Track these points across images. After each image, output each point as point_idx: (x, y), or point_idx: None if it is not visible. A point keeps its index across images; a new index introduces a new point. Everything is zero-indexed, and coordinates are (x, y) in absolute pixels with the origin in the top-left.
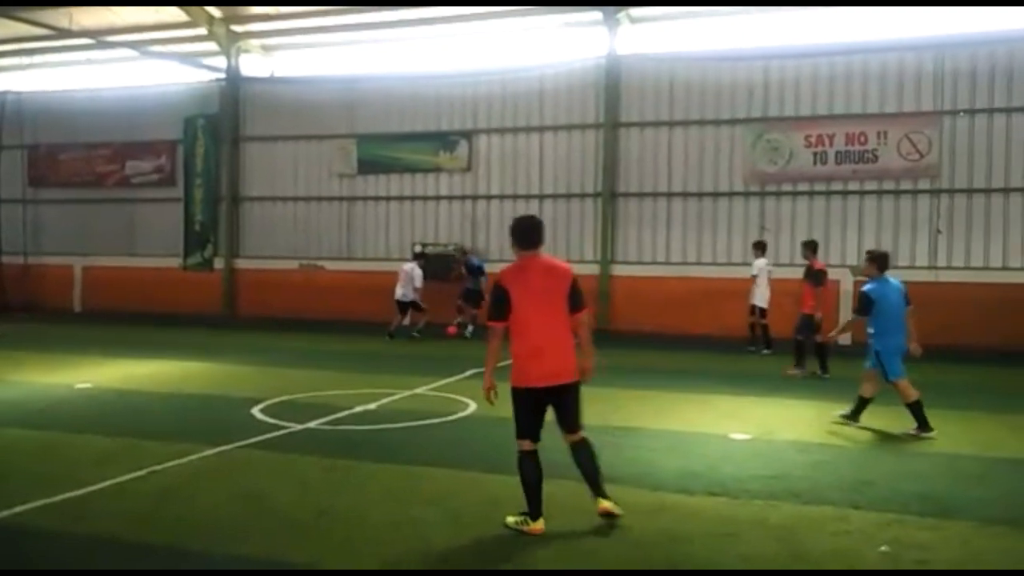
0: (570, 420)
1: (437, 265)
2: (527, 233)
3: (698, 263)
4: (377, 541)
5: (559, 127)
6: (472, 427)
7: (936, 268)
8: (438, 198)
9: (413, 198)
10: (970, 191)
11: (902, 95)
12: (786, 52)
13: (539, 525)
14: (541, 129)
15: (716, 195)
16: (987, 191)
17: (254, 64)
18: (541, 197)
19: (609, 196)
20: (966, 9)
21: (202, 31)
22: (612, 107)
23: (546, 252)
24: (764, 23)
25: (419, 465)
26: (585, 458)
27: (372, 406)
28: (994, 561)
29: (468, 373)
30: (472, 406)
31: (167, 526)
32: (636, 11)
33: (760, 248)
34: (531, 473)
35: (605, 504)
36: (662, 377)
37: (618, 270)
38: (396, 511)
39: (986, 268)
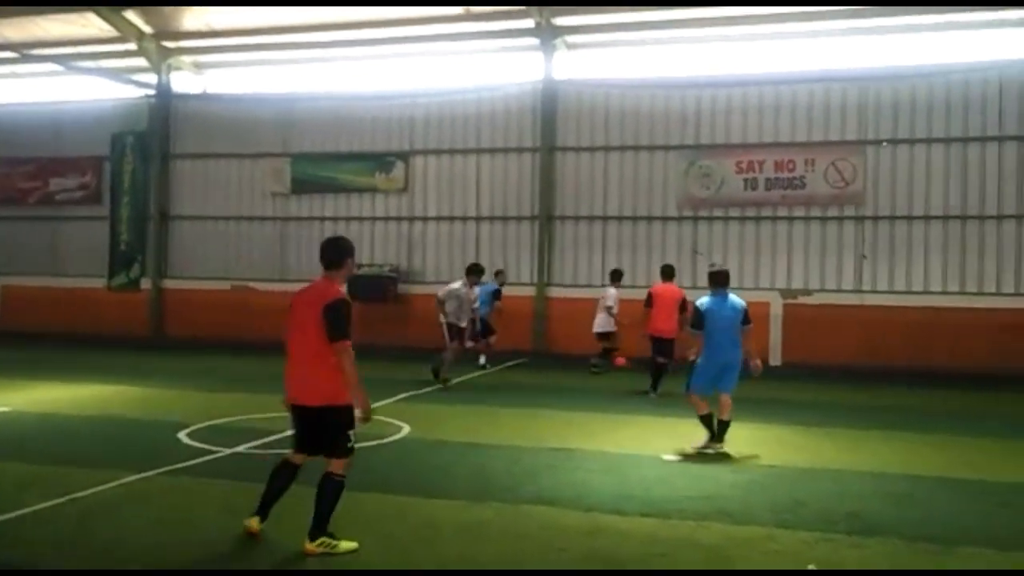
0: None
1: (372, 286)
2: (321, 252)
3: (632, 286)
4: (308, 567)
5: (496, 150)
6: (406, 450)
7: (861, 292)
8: (374, 219)
9: (348, 218)
10: (893, 218)
11: (828, 125)
12: (718, 81)
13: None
14: (478, 151)
15: (650, 219)
16: (909, 218)
17: (186, 81)
18: (478, 219)
19: (546, 219)
20: (889, 44)
21: (132, 46)
22: (549, 131)
23: (484, 275)
24: (697, 52)
25: (352, 490)
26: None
27: None
28: None
29: (401, 396)
30: (406, 429)
31: (89, 554)
32: (572, 37)
33: (614, 277)
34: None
35: (308, 546)
36: (598, 398)
37: (554, 292)
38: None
39: (908, 292)
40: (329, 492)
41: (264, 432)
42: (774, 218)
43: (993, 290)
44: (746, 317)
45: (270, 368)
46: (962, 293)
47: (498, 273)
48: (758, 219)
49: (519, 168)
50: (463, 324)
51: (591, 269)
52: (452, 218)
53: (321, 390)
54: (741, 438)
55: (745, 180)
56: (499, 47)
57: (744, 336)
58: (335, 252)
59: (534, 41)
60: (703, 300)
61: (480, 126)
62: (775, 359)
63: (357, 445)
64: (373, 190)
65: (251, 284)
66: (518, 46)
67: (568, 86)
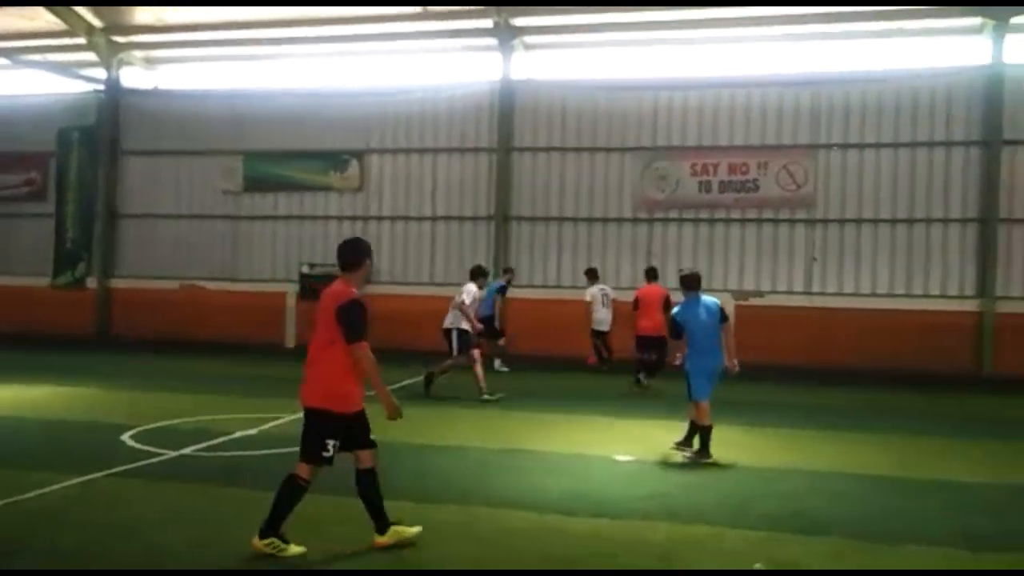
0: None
1: (326, 286)
2: (338, 254)
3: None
4: (255, 571)
5: (453, 149)
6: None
7: (811, 294)
8: (327, 218)
9: (302, 217)
10: (842, 221)
11: (781, 128)
12: (674, 84)
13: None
14: (435, 151)
15: (606, 220)
16: (858, 221)
17: (136, 76)
18: (434, 219)
19: (502, 220)
20: (841, 50)
21: (81, 40)
22: (506, 131)
23: (439, 275)
24: (654, 55)
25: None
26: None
27: (253, 431)
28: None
29: None
30: None
31: (29, 558)
32: (531, 38)
33: (591, 275)
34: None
35: (255, 542)
36: (553, 399)
37: (511, 293)
38: None
39: (856, 294)
40: (286, 493)
41: (212, 434)
42: (727, 220)
43: (938, 292)
44: (723, 315)
45: (219, 368)
46: (908, 295)
47: (507, 271)
48: (712, 221)
49: (476, 168)
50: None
51: (547, 270)
52: (408, 218)
53: (316, 392)
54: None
55: (700, 182)
56: (457, 46)
57: (724, 333)
58: (352, 253)
59: (492, 41)
60: (677, 309)
61: (437, 125)
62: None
63: None
64: (328, 189)
65: (201, 283)
66: (476, 46)
67: (526, 86)
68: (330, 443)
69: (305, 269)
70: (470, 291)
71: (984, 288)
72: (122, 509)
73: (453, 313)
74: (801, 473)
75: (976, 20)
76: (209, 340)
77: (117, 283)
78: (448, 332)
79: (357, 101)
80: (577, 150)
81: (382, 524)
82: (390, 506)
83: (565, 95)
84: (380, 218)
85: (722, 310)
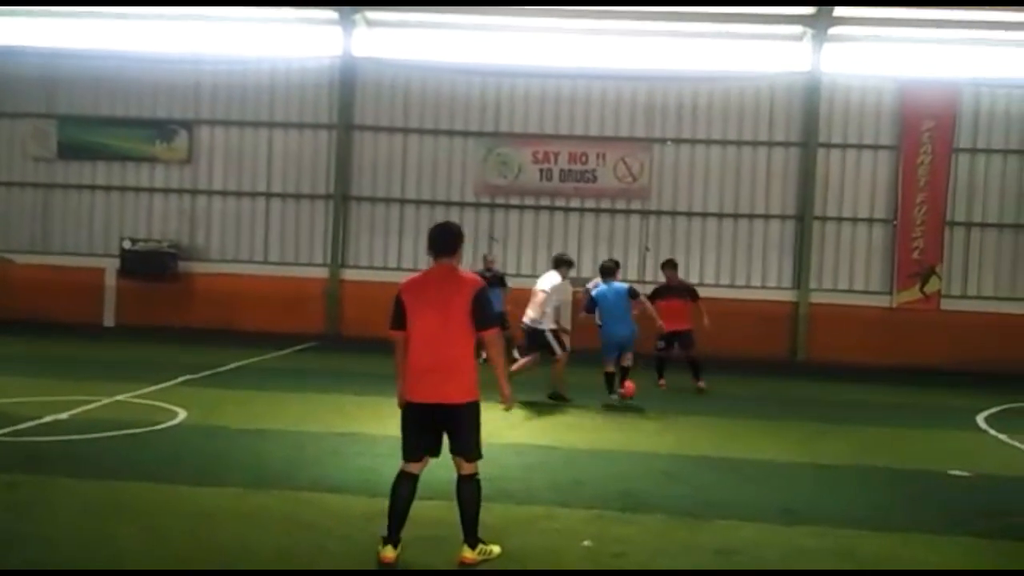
0: (456, 447)
1: (149, 263)
2: (433, 240)
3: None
4: (68, 562)
5: (290, 124)
6: (181, 437)
7: (644, 283)
8: (152, 190)
9: (123, 189)
10: (674, 213)
11: (619, 121)
12: (518, 71)
13: (388, 553)
14: (271, 125)
15: (448, 204)
16: (689, 214)
17: None
18: (268, 195)
19: (341, 199)
20: (677, 48)
21: None
22: (346, 109)
23: (274, 254)
24: (499, 40)
25: (118, 479)
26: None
27: (64, 415)
28: (681, 551)
29: (180, 379)
30: (181, 415)
31: None
32: (373, 14)
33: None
34: (395, 497)
35: (465, 555)
36: (388, 384)
37: (349, 275)
38: (90, 530)
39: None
40: (478, 495)
41: (18, 418)
42: (567, 209)
43: (759, 283)
44: (632, 293)
45: (29, 349)
46: (732, 286)
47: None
48: (552, 209)
49: (314, 145)
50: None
51: (387, 252)
52: (240, 193)
53: (465, 384)
54: (530, 423)
55: (541, 170)
56: (296, 17)
57: (639, 307)
58: (450, 238)
59: (333, 15)
60: (596, 289)
61: (273, 98)
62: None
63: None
64: (152, 160)
65: (8, 256)
66: (316, 18)
67: (368, 64)
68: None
69: (127, 244)
70: (551, 283)
71: (799, 280)
72: None
73: (536, 310)
74: (631, 454)
75: (798, 28)
76: (18, 318)
77: None
78: (536, 333)
79: (187, 68)
80: (420, 131)
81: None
82: (218, 492)
83: (409, 75)
84: (210, 192)
85: (630, 290)
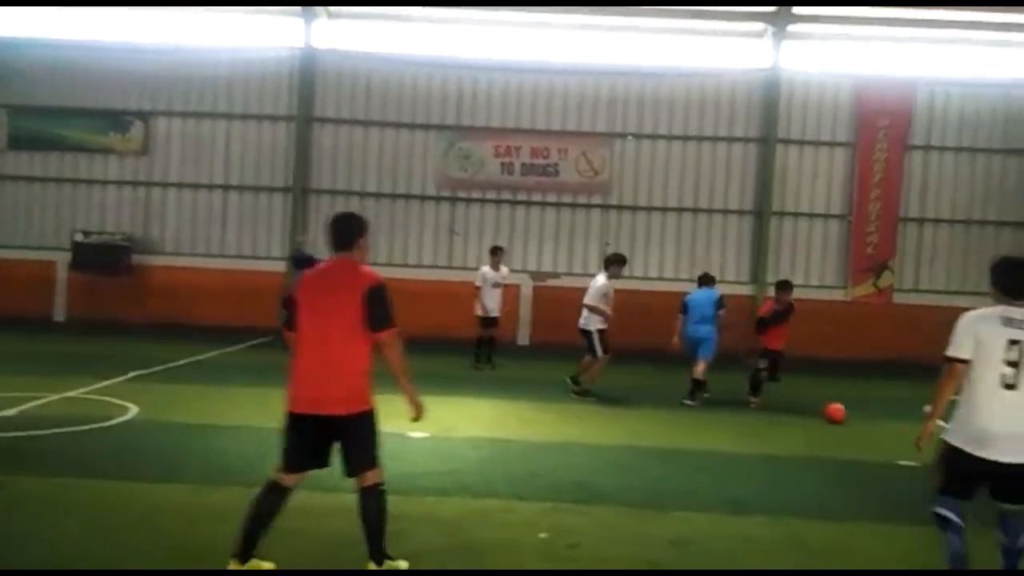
0: (346, 466)
1: (102, 256)
2: (329, 231)
3: (389, 264)
4: (12, 562)
5: (249, 116)
6: (132, 433)
7: None
8: (106, 182)
9: (76, 181)
10: (634, 208)
11: (580, 116)
12: (480, 64)
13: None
14: (229, 116)
15: (409, 197)
16: (648, 209)
17: None
18: (226, 188)
19: (300, 192)
20: (639, 43)
21: None
22: (306, 101)
23: (231, 247)
24: (460, 33)
25: (67, 476)
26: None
27: (11, 412)
28: (634, 541)
29: (131, 375)
30: (133, 410)
31: None
32: (335, 7)
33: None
34: (256, 507)
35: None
36: None
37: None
38: (37, 528)
39: (645, 278)
40: (382, 506)
41: None
42: (528, 203)
43: (717, 277)
44: (719, 303)
45: None
46: (691, 280)
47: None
48: (513, 203)
49: (273, 137)
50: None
51: None
52: (197, 186)
53: (354, 393)
54: (486, 417)
55: (502, 164)
56: (256, 8)
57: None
58: (346, 229)
59: (295, 8)
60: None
61: (232, 90)
62: (524, 339)
63: (80, 428)
64: (107, 151)
65: None
66: (277, 9)
67: (329, 55)
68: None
69: (79, 237)
70: (596, 286)
71: (757, 274)
72: None
73: (583, 309)
74: (586, 447)
75: (759, 25)
76: None
77: None
78: (583, 334)
79: (144, 57)
80: (381, 124)
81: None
82: (171, 489)
83: (370, 68)
84: (166, 185)
85: (719, 299)
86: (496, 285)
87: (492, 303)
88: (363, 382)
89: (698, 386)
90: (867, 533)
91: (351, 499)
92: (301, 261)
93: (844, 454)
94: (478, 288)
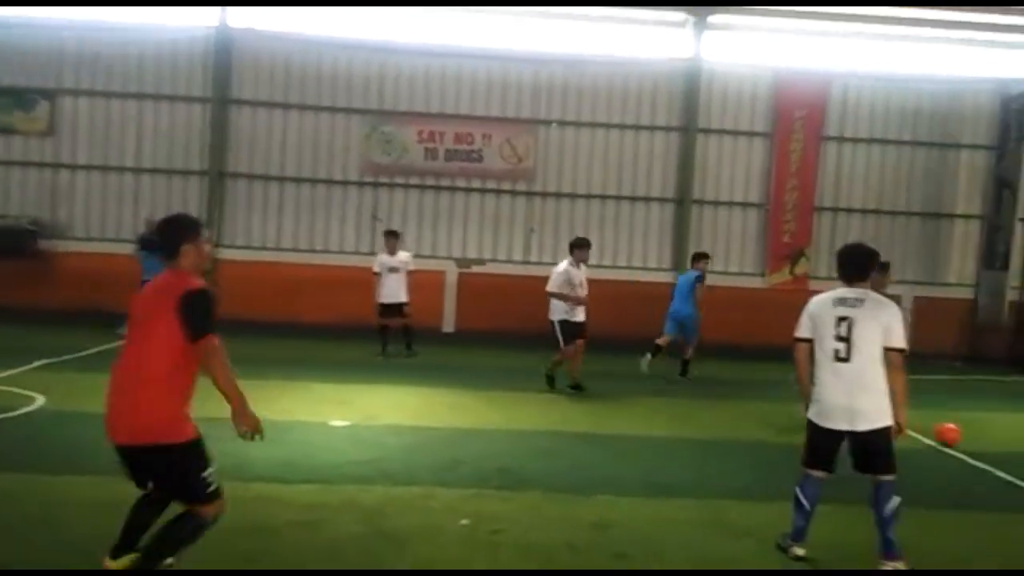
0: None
1: (6, 240)
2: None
3: (311, 250)
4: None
5: (162, 97)
6: (38, 424)
7: (528, 263)
8: (9, 163)
9: None
10: (559, 195)
11: (505, 102)
12: (403, 48)
13: (107, 561)
14: (141, 97)
15: (330, 182)
16: (572, 196)
17: None
18: (138, 171)
19: (217, 175)
20: (565, 31)
21: None
22: (222, 82)
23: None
24: (382, 16)
25: None
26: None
27: None
28: (557, 525)
29: (37, 364)
30: (39, 400)
31: None
32: None
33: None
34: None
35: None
36: (267, 366)
37: (225, 254)
38: None
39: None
40: (189, 532)
41: None
42: (452, 189)
43: (639, 265)
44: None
45: None
46: (614, 267)
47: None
48: (437, 189)
49: (188, 119)
50: (579, 318)
51: (265, 231)
52: (107, 168)
53: (160, 421)
54: (413, 403)
55: (426, 149)
56: None
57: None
58: (168, 232)
59: None
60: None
61: (143, 69)
62: (449, 326)
63: None
64: (9, 131)
65: None
66: None
67: (246, 36)
68: (209, 470)
69: None
70: (555, 272)
71: (678, 262)
72: None
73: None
74: (510, 433)
75: (681, 15)
76: None
77: None
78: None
79: (49, 34)
80: (300, 107)
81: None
82: (77, 480)
83: (289, 49)
84: (74, 167)
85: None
86: (393, 270)
87: (390, 289)
88: (172, 410)
89: (685, 366)
90: (782, 511)
91: (270, 488)
92: (148, 243)
93: (761, 436)
94: (376, 274)
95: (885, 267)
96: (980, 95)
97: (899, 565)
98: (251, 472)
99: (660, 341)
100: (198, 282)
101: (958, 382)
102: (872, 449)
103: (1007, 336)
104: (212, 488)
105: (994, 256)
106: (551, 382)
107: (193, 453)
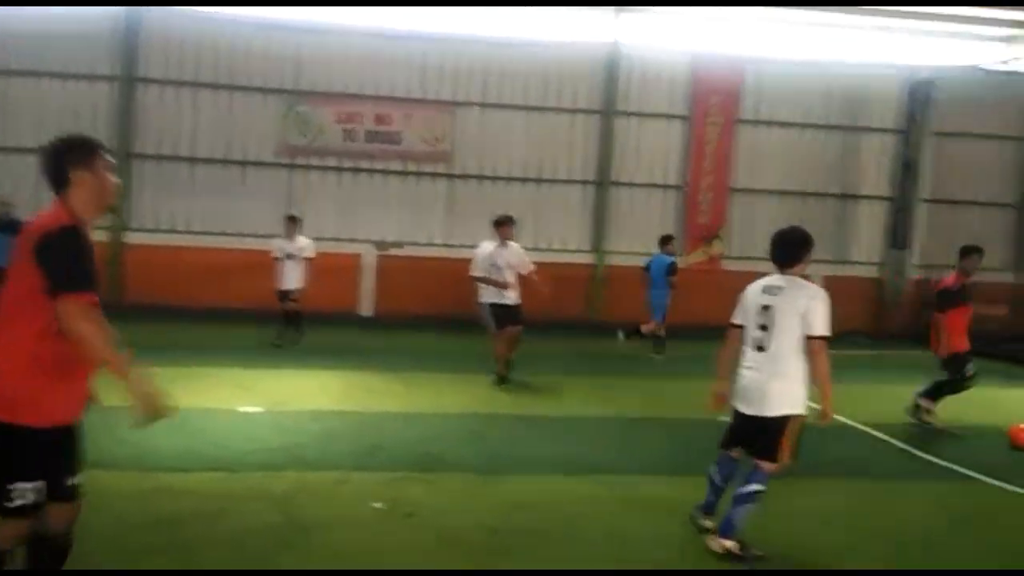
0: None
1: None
2: None
3: (223, 234)
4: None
5: (66, 75)
6: None
7: (449, 246)
8: None
9: None
10: (479, 177)
11: (424, 83)
12: (319, 27)
13: None
14: (45, 75)
15: (245, 163)
16: (493, 178)
17: None
18: (37, 152)
19: (124, 156)
20: (485, 13)
21: None
22: (129, 60)
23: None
24: None
25: None
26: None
27: None
28: (473, 507)
29: None
30: None
31: None
32: None
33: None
34: None
35: None
36: (175, 352)
37: (132, 238)
38: None
39: None
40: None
41: None
42: (371, 171)
43: (560, 246)
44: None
45: None
46: (535, 249)
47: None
48: (356, 171)
49: (92, 98)
50: (509, 300)
51: (174, 214)
52: (4, 149)
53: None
54: (331, 387)
55: (345, 131)
56: None
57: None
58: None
59: None
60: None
61: (48, 47)
62: (368, 310)
63: None
64: None
65: None
66: None
67: (154, 12)
68: (21, 486)
69: None
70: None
71: (598, 243)
72: None
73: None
74: (435, 416)
75: None
76: None
77: None
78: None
79: None
80: (213, 87)
81: None
82: None
83: (200, 26)
84: None
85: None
86: (291, 256)
87: (286, 275)
88: (24, 379)
89: (657, 340)
90: (693, 485)
91: (174, 478)
92: (3, 225)
93: (675, 412)
94: (275, 260)
95: (968, 252)
96: (888, 80)
97: (732, 547)
98: (152, 461)
99: (645, 329)
100: (65, 218)
101: (865, 357)
102: (767, 434)
103: (909, 312)
104: (16, 504)
105: (898, 236)
106: (501, 378)
107: (19, 441)
